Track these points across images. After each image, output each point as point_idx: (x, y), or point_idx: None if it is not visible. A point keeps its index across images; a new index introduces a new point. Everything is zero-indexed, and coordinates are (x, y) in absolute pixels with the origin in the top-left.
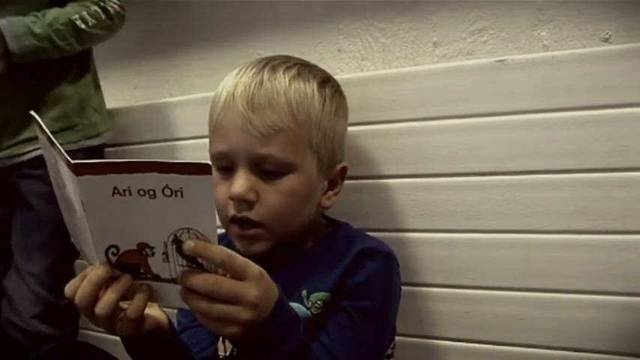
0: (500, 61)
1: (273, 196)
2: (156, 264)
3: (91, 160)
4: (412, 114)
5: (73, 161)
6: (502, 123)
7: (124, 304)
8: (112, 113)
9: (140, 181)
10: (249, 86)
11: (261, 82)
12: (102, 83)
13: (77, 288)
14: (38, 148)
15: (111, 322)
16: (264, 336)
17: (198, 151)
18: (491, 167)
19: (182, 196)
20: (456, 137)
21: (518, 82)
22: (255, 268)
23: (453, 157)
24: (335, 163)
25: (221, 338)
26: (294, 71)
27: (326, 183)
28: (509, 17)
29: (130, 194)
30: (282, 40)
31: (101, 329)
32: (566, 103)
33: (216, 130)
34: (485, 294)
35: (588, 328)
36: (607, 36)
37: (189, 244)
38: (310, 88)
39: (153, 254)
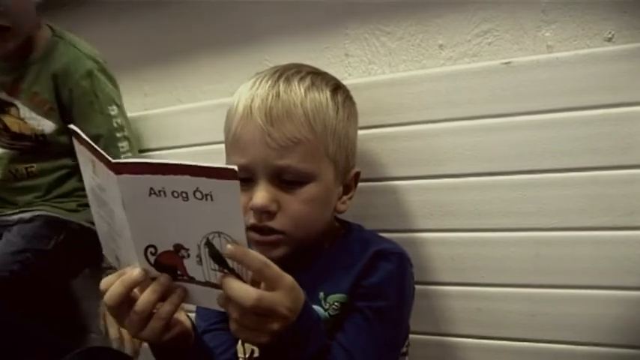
0: (505, 63)
1: (294, 205)
2: (191, 266)
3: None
4: (420, 117)
5: (113, 160)
6: (508, 124)
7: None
8: None
9: (173, 182)
10: (267, 99)
11: (278, 94)
12: None
13: (111, 284)
14: None
15: (144, 322)
16: (290, 340)
17: (209, 157)
18: (499, 167)
19: (212, 199)
20: (463, 139)
21: (524, 83)
22: (288, 279)
23: (461, 158)
24: (349, 169)
25: (240, 341)
26: (308, 81)
27: (341, 188)
28: (514, 19)
29: (165, 195)
30: (289, 46)
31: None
32: (570, 103)
33: (234, 143)
34: (497, 291)
35: (596, 323)
36: (610, 35)
37: (229, 249)
38: (324, 97)
39: (188, 256)
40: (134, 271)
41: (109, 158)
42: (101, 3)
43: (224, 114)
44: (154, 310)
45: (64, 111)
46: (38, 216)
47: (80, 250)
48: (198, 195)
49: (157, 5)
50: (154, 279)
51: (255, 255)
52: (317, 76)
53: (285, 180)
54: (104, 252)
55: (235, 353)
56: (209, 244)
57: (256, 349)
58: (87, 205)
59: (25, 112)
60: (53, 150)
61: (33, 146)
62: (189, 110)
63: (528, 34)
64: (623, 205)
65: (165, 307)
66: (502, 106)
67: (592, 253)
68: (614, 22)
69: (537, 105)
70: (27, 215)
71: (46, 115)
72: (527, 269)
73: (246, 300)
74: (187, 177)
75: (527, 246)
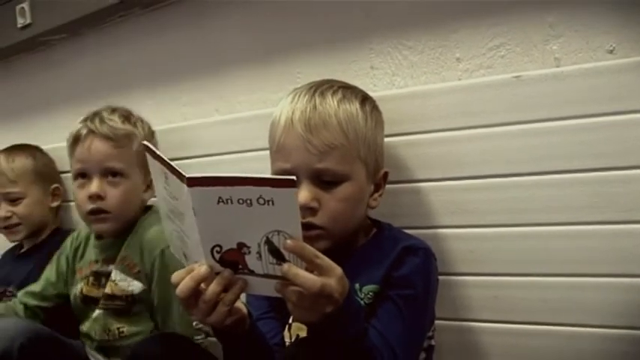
0: (516, 77)
1: (332, 203)
2: (251, 261)
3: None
4: (440, 125)
5: (187, 175)
6: (520, 131)
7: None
8: (165, 132)
9: (239, 192)
10: (305, 111)
11: (315, 107)
12: (152, 102)
13: (182, 279)
14: None
15: (210, 309)
16: (337, 320)
17: (245, 164)
18: (512, 169)
19: (273, 204)
20: (480, 144)
21: (532, 94)
22: (338, 268)
23: (478, 162)
24: (379, 169)
25: (287, 327)
26: (340, 94)
27: (372, 186)
28: (524, 34)
29: (232, 203)
30: (319, 60)
31: None
32: (574, 112)
33: (278, 151)
34: (512, 280)
35: (602, 307)
36: (611, 48)
37: (289, 243)
38: (354, 107)
39: (249, 252)
40: (202, 268)
41: (182, 172)
42: (146, 16)
43: (258, 124)
44: (219, 300)
45: (148, 274)
46: None
47: None
48: (260, 201)
49: (197, 19)
50: (217, 273)
51: (310, 248)
52: (347, 90)
53: (324, 181)
54: (172, 250)
55: (283, 338)
56: (269, 241)
57: (301, 334)
58: None
59: (117, 274)
60: (141, 310)
61: (124, 306)
62: (226, 121)
63: (537, 48)
64: (623, 202)
65: (228, 296)
66: (514, 114)
67: (596, 245)
68: (615, 35)
69: (545, 113)
70: None
71: (135, 277)
72: (538, 260)
73: (313, 286)
74: (251, 187)
75: (539, 239)
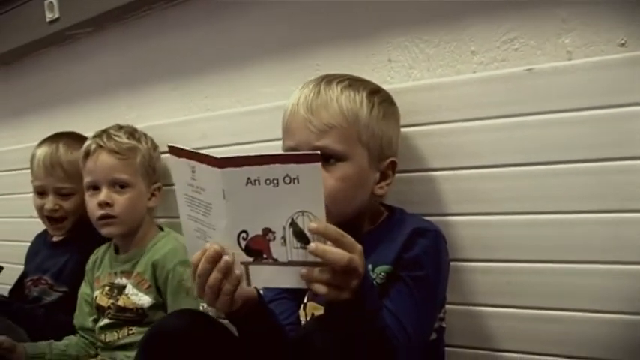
0: (529, 69)
1: (330, 181)
2: (276, 248)
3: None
4: (455, 116)
5: (218, 157)
6: (531, 122)
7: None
8: (187, 123)
9: (267, 171)
10: (309, 96)
11: (318, 92)
12: (175, 93)
13: (199, 260)
14: None
15: (215, 295)
16: (361, 294)
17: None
18: (524, 159)
19: (298, 182)
20: (493, 135)
21: (544, 86)
22: (359, 245)
23: (491, 152)
24: (384, 158)
25: (302, 306)
26: (346, 83)
27: (378, 175)
28: (537, 27)
29: (259, 184)
30: (338, 53)
31: None
32: (586, 104)
33: (285, 132)
34: (524, 266)
35: (612, 294)
36: (622, 41)
37: (313, 225)
38: (360, 96)
39: (274, 238)
40: (212, 248)
41: (214, 157)
42: (170, 10)
43: (278, 115)
44: (221, 287)
45: (159, 290)
46: None
47: None
48: (286, 180)
49: (219, 13)
50: (243, 263)
51: (333, 227)
52: (357, 81)
53: (324, 159)
54: (189, 251)
55: (298, 317)
56: (293, 223)
57: (317, 313)
58: None
59: (130, 289)
60: (147, 323)
61: (133, 317)
62: (247, 112)
63: (550, 41)
64: (632, 190)
65: (226, 286)
66: (526, 106)
67: (609, 233)
68: (626, 29)
69: (557, 105)
70: None
71: (145, 292)
72: (549, 246)
73: (342, 259)
74: (279, 165)
75: (551, 227)
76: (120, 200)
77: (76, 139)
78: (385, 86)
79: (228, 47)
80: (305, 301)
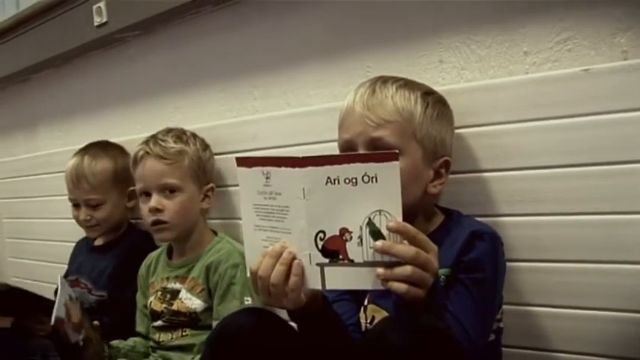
0: (584, 70)
1: None
2: (352, 249)
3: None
4: (509, 117)
5: (299, 157)
6: (586, 123)
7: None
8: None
9: (347, 170)
10: (364, 94)
11: (374, 91)
12: (223, 94)
13: (260, 262)
14: None
15: (282, 293)
16: (430, 297)
17: None
18: (579, 160)
19: (376, 181)
20: (547, 135)
21: (600, 87)
22: (434, 245)
23: (545, 153)
24: (438, 157)
25: (362, 308)
26: (401, 82)
27: (431, 173)
28: (591, 27)
29: (339, 183)
30: (389, 54)
31: None
32: None
33: (341, 127)
34: (575, 267)
35: None
36: None
37: (391, 224)
38: (414, 95)
39: (351, 239)
40: (276, 245)
41: (296, 156)
42: (218, 13)
43: (328, 117)
44: (287, 282)
45: (211, 292)
46: None
47: None
48: (365, 179)
49: (266, 16)
50: (319, 265)
51: (410, 227)
52: (411, 82)
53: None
54: (247, 262)
55: (359, 319)
56: (370, 222)
57: (377, 316)
58: None
59: (184, 293)
60: (201, 327)
61: (187, 321)
62: (297, 114)
63: (605, 41)
64: None
65: (292, 279)
66: (581, 107)
67: None
68: None
69: (613, 105)
70: None
71: (198, 296)
72: (602, 246)
73: (407, 253)
74: (358, 164)
75: (602, 227)
76: (170, 205)
77: (103, 148)
78: (437, 87)
79: (277, 49)
80: (365, 303)
